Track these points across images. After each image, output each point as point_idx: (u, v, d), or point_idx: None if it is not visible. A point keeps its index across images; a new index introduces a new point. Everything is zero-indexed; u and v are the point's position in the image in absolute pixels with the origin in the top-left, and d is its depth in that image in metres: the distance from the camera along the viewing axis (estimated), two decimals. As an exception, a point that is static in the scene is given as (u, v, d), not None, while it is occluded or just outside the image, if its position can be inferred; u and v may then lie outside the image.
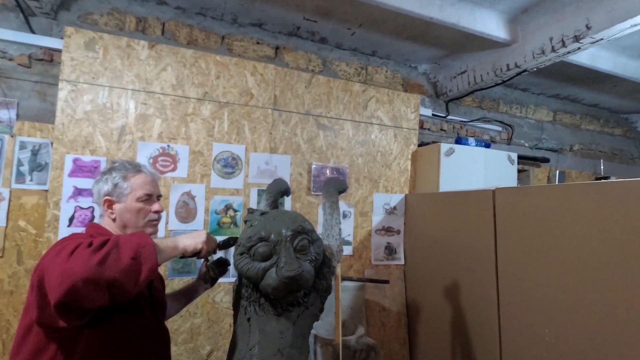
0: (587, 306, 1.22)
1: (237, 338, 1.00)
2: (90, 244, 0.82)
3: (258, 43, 2.50)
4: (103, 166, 1.88)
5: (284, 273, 0.87)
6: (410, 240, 2.52)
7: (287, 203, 2.26)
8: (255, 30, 2.50)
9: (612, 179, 2.38)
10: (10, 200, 1.82)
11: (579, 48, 2.05)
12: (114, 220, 1.09)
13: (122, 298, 0.83)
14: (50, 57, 1.97)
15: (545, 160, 3.41)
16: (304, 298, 1.01)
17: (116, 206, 1.08)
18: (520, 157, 2.99)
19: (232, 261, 2.05)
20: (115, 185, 1.08)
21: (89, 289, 0.76)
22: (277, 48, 2.56)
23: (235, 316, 1.06)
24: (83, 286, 0.75)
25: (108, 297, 0.80)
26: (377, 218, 2.53)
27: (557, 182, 3.42)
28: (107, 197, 1.08)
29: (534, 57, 2.21)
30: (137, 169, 1.13)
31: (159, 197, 1.18)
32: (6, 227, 1.80)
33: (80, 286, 0.75)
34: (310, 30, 2.52)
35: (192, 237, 0.99)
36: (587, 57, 2.45)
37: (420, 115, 2.87)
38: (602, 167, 3.80)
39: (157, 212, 1.14)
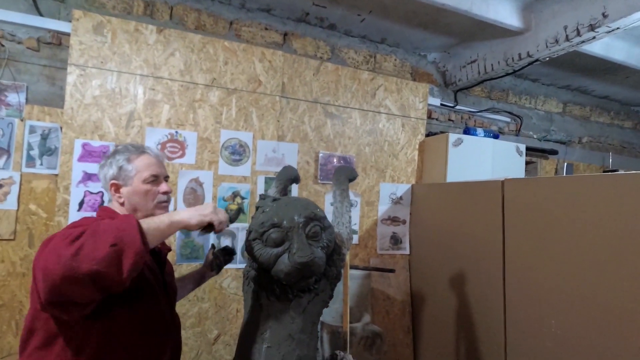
0: (594, 298, 1.22)
1: (248, 323, 1.02)
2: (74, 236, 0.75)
3: (266, 29, 2.47)
4: (112, 151, 1.89)
5: (297, 259, 0.88)
6: (416, 230, 2.52)
7: (294, 191, 2.27)
8: (264, 15, 2.46)
9: (621, 172, 2.36)
10: (21, 184, 1.83)
11: (594, 37, 2.01)
12: (122, 204, 1.07)
13: (115, 289, 0.76)
14: (59, 41, 1.96)
15: (554, 152, 3.38)
16: (315, 284, 1.02)
17: (123, 190, 1.06)
18: (528, 149, 2.97)
19: (238, 249, 2.07)
20: (120, 168, 1.05)
21: (70, 285, 0.70)
22: (285, 34, 2.53)
23: (245, 301, 1.08)
24: (62, 284, 0.70)
25: (96, 290, 0.74)
26: (383, 208, 2.53)
27: (564, 175, 3.40)
28: (113, 181, 1.05)
29: (547, 47, 2.17)
30: (140, 150, 1.10)
31: (166, 178, 1.14)
32: (17, 210, 1.82)
33: (59, 284, 0.70)
34: (319, 16, 2.48)
35: (195, 210, 0.91)
36: (601, 47, 2.40)
37: (429, 104, 2.84)
38: (610, 160, 3.77)
39: (166, 193, 1.10)
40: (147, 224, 0.82)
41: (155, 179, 1.08)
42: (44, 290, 0.72)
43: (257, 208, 1.03)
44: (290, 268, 0.88)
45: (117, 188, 1.06)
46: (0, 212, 1.80)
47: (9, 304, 1.81)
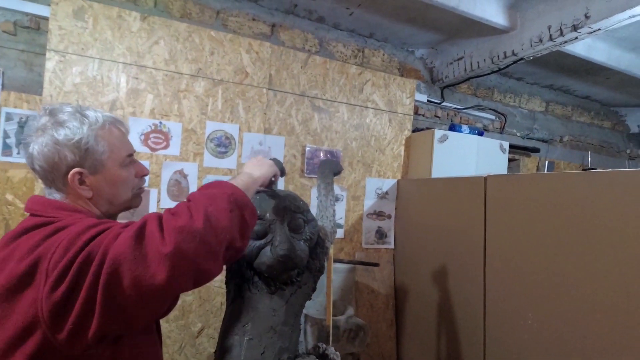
0: (570, 292, 1.27)
1: (230, 315, 1.01)
2: (158, 218, 0.63)
3: (254, 20, 2.44)
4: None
5: (279, 251, 0.88)
6: (400, 225, 2.55)
7: (281, 184, 2.26)
8: (251, 5, 2.43)
9: (599, 170, 2.43)
10: (-4, 173, 1.77)
11: (576, 38, 2.05)
12: (89, 199, 0.77)
13: (235, 258, 0.73)
14: (37, 25, 1.89)
15: (536, 150, 3.46)
16: (297, 277, 1.02)
17: (91, 179, 0.76)
18: (511, 147, 3.03)
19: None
20: (87, 152, 0.74)
21: (209, 263, 0.62)
22: (273, 26, 2.50)
23: (228, 294, 1.07)
24: (203, 263, 0.61)
25: (220, 267, 0.68)
26: (369, 202, 2.55)
27: (545, 172, 3.48)
28: (77, 170, 0.74)
29: (531, 45, 2.21)
30: (100, 119, 0.77)
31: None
32: (-8, 200, 1.77)
33: (201, 265, 0.61)
34: (308, 8, 2.46)
35: (263, 165, 0.87)
36: (583, 47, 2.46)
37: (416, 100, 2.85)
38: (589, 159, 3.88)
39: (144, 175, 0.86)
40: (241, 184, 0.76)
41: (131, 161, 0.83)
42: (168, 276, 0.58)
43: None
44: (273, 260, 0.88)
45: (81, 179, 0.76)
46: (-26, 201, 1.74)
47: (-17, 296, 1.75)
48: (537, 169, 3.56)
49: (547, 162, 3.58)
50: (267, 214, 0.91)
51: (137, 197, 0.86)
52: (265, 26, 2.48)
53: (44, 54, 1.79)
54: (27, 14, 1.87)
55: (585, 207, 1.23)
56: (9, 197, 1.80)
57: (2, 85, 1.81)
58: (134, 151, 0.85)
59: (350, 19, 2.56)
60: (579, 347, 1.22)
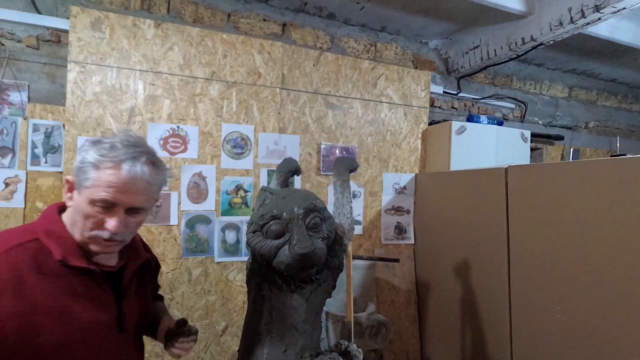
0: (600, 284, 1.22)
1: (251, 314, 1.03)
2: None
3: (265, 20, 2.45)
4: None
5: (297, 250, 0.88)
6: (420, 220, 2.52)
7: (297, 183, 2.27)
8: (262, 6, 2.44)
9: (628, 156, 2.33)
10: (27, 182, 1.85)
11: (599, 19, 1.96)
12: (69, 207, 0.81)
13: None
14: (58, 38, 1.96)
15: (559, 138, 3.33)
16: (317, 275, 1.02)
17: (75, 194, 0.79)
18: (533, 135, 2.93)
19: (242, 242, 2.09)
20: (80, 169, 0.77)
21: None
22: (284, 25, 2.50)
23: (249, 293, 1.09)
24: None
25: None
26: (387, 198, 2.52)
27: (571, 160, 3.36)
28: (69, 177, 0.80)
29: (551, 30, 2.13)
30: (120, 159, 0.77)
31: (134, 210, 0.80)
32: (25, 208, 1.85)
33: None
34: (318, 5, 2.45)
35: None
36: (607, 28, 2.35)
37: (431, 92, 2.80)
38: (618, 145, 3.71)
39: (103, 229, 0.77)
40: None
41: (108, 207, 0.77)
42: None
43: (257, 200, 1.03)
44: (291, 259, 0.89)
45: (70, 187, 0.80)
46: (7, 210, 1.82)
47: (20, 299, 1.84)
48: (562, 158, 3.43)
49: (571, 149, 3.45)
50: (284, 213, 0.92)
51: (94, 243, 0.79)
52: (276, 26, 2.48)
53: (66, 66, 1.85)
54: (48, 28, 1.94)
55: (615, 195, 1.18)
56: (39, 204, 1.88)
57: (28, 97, 1.89)
58: (121, 203, 0.78)
59: (361, 14, 2.53)
60: (611, 340, 1.18)
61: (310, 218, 0.94)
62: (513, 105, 3.27)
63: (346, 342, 1.18)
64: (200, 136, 2.06)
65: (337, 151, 2.37)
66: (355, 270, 2.32)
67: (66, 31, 1.91)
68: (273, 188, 1.05)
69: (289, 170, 1.32)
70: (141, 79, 1.94)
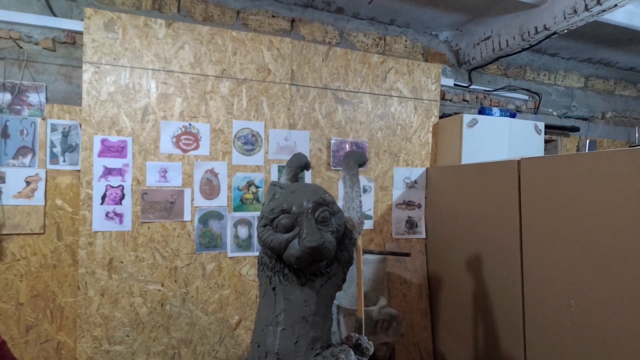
0: (616, 277, 1.20)
1: (263, 306, 1.05)
2: None
3: (273, 16, 2.46)
4: (130, 146, 1.94)
5: (306, 244, 0.90)
6: (431, 214, 2.51)
7: (308, 178, 2.28)
8: (270, 3, 2.45)
9: (648, 147, 2.26)
10: (46, 181, 1.92)
11: (616, 5, 1.91)
12: None
13: None
14: (73, 40, 2.01)
15: (575, 129, 3.26)
16: (327, 268, 1.04)
17: None
18: (547, 127, 2.87)
19: (254, 238, 2.11)
20: None
21: None
22: (292, 21, 2.51)
23: (260, 286, 1.11)
24: None
25: None
26: (398, 192, 2.52)
27: (587, 152, 3.28)
28: None
29: (565, 18, 2.07)
30: None
31: None
32: (45, 205, 1.92)
33: None
34: (326, 0, 2.45)
35: None
36: (624, 15, 2.27)
37: (442, 85, 2.77)
38: (637, 135, 3.60)
39: None
40: None
41: None
42: None
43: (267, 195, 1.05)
44: (301, 253, 0.91)
45: None
46: (29, 207, 1.89)
47: (43, 294, 1.92)
48: (577, 149, 3.35)
49: (587, 141, 3.37)
50: (294, 207, 0.93)
51: None
52: (285, 22, 2.49)
53: (81, 67, 1.90)
54: (63, 30, 2.00)
55: (632, 186, 1.16)
56: (59, 202, 1.94)
57: (46, 98, 1.95)
58: None
59: (370, 7, 2.52)
60: (627, 333, 1.16)
61: (320, 212, 0.95)
62: (526, 97, 3.21)
63: (357, 335, 1.20)
64: (212, 133, 2.09)
65: (347, 146, 2.37)
66: (366, 265, 2.33)
67: (81, 33, 1.96)
68: (283, 183, 1.07)
69: (299, 165, 1.33)
70: (153, 78, 1.98)
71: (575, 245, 1.35)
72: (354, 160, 1.28)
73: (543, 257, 1.50)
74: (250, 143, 2.16)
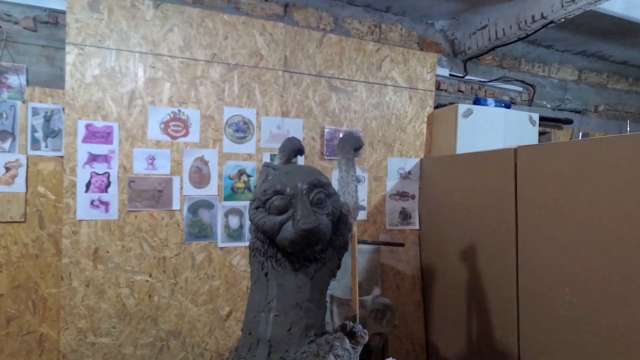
0: (611, 264, 1.18)
1: (255, 293, 1.01)
2: None
3: (266, 0, 2.39)
4: (116, 131, 1.87)
5: (301, 226, 0.85)
6: (425, 205, 2.48)
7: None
8: (263, -13, 2.37)
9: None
10: (27, 167, 1.84)
11: (614, -7, 1.89)
12: None
13: None
14: (55, 20, 1.92)
15: (568, 121, 3.26)
16: (321, 254, 1.00)
17: None
18: (541, 119, 2.86)
19: (245, 227, 2.07)
20: None
21: None
22: (286, 5, 2.44)
23: (252, 272, 1.06)
24: None
25: None
26: (392, 183, 2.49)
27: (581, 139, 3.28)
28: None
29: (562, 6, 2.05)
30: None
31: None
32: (26, 193, 1.84)
33: None
34: (321, -15, 2.38)
35: None
36: (622, 4, 2.26)
37: (437, 75, 2.74)
38: (628, 129, 3.63)
39: None
40: None
41: None
42: None
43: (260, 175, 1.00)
44: (295, 235, 0.86)
45: None
46: (9, 195, 1.81)
47: (24, 284, 1.85)
48: (570, 142, 3.36)
49: (580, 133, 3.38)
50: (288, 189, 0.88)
51: None
52: (278, 6, 2.42)
53: (64, 48, 1.82)
54: (45, 9, 1.90)
55: (628, 173, 1.14)
56: (41, 189, 1.87)
57: (27, 81, 1.86)
58: None
59: (365, -6, 2.46)
60: (622, 321, 1.15)
61: (315, 193, 0.91)
62: (521, 89, 3.20)
63: (352, 323, 1.16)
64: (202, 120, 2.02)
65: (341, 135, 2.32)
66: (360, 255, 2.29)
67: (63, 12, 1.87)
68: (276, 164, 1.02)
69: (293, 149, 1.28)
70: (141, 62, 1.91)
71: (571, 234, 1.33)
72: (350, 144, 1.23)
73: (538, 246, 1.49)
74: (241, 130, 2.10)
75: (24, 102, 1.83)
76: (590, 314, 1.26)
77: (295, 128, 2.22)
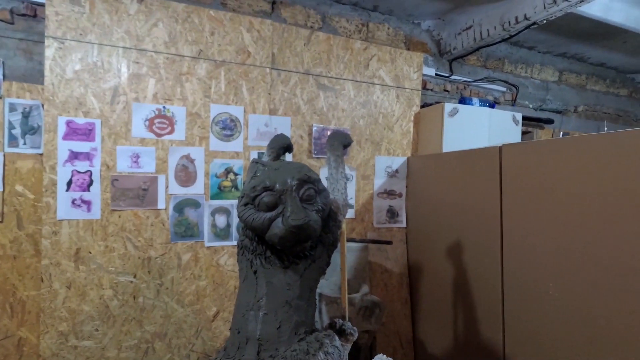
0: (593, 259, 1.22)
1: (243, 291, 0.99)
2: None
3: (253, -2, 2.36)
4: (98, 128, 1.81)
5: (291, 222, 0.84)
6: (412, 203, 2.50)
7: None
8: (250, -17, 2.35)
9: (620, 130, 2.33)
10: (4, 165, 1.77)
11: (593, -4, 1.94)
12: None
13: None
14: (34, 12, 1.85)
15: (550, 121, 3.34)
16: (311, 251, 0.99)
17: None
18: (524, 119, 2.93)
19: (233, 227, 2.04)
20: None
21: None
22: (273, 3, 2.42)
23: (240, 270, 1.05)
24: None
25: None
26: (379, 181, 2.50)
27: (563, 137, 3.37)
28: None
29: (544, 8, 2.10)
30: None
31: None
32: (3, 192, 1.77)
33: None
34: (309, -17, 2.38)
35: None
36: (600, 7, 2.33)
37: (423, 75, 2.77)
38: (605, 129, 3.75)
39: None
40: None
41: None
42: None
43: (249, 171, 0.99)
44: (285, 232, 0.85)
45: None
46: (-15, 194, 1.74)
47: (1, 287, 1.77)
48: (551, 141, 3.44)
49: (561, 133, 3.47)
50: (277, 185, 0.87)
51: None
52: (265, 3, 2.40)
53: (43, 42, 1.76)
54: (23, 1, 1.83)
55: (608, 170, 1.17)
56: (19, 188, 1.80)
57: (4, 75, 1.79)
58: None
59: (353, -8, 2.46)
60: (604, 313, 1.18)
61: (305, 189, 0.90)
62: (504, 89, 3.26)
63: (341, 321, 1.16)
64: (188, 117, 1.99)
65: (328, 133, 2.32)
66: (348, 253, 2.30)
67: (42, 4, 1.80)
68: (265, 161, 1.01)
69: (281, 146, 1.27)
70: (124, 57, 1.86)
71: (554, 229, 1.36)
72: (339, 141, 1.23)
73: (523, 242, 1.52)
74: (228, 128, 2.08)
75: (0, 98, 1.76)
76: (572, 308, 1.29)
77: (283, 126, 2.21)
